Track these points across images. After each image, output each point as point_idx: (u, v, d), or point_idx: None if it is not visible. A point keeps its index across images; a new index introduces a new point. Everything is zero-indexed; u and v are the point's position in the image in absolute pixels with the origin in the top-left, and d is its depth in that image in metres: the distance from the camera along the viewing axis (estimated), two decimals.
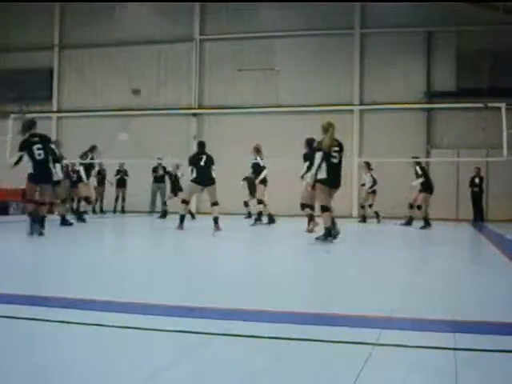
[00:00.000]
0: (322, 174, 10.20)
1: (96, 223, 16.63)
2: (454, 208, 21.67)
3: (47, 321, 3.84)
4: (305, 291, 5.58)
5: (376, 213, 18.18)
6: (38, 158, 10.66)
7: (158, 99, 24.87)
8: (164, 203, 20.96)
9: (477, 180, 20.61)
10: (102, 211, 22.26)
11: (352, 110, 23.18)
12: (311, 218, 12.80)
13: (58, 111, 26.48)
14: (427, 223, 15.65)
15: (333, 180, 10.23)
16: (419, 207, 15.84)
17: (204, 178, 13.28)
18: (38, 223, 10.90)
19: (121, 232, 15.40)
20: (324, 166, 10.16)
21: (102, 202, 22.41)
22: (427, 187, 15.80)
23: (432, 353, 3.25)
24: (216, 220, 13.20)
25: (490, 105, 15.32)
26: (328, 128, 10.23)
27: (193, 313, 4.24)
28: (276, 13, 23.99)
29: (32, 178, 11.12)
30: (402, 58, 22.90)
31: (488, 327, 3.92)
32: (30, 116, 19.77)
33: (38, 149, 10.68)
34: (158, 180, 21.27)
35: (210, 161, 13.38)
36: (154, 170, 21.32)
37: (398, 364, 3.07)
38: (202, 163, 13.27)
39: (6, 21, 26.14)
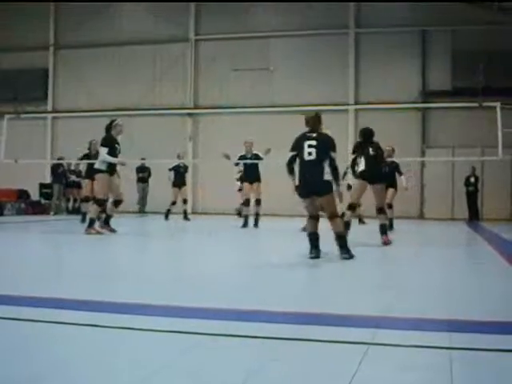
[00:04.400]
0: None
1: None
2: (449, 207, 21.70)
3: (42, 321, 3.84)
4: (300, 291, 5.58)
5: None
6: None
7: (154, 99, 24.84)
8: (144, 204, 21.19)
9: (472, 179, 20.64)
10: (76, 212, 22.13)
11: (347, 110, 23.18)
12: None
13: (54, 111, 26.43)
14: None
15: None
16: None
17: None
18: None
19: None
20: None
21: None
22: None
23: (427, 352, 3.26)
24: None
25: (484, 104, 15.33)
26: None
27: (187, 313, 4.24)
28: (271, 13, 23.97)
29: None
30: (397, 58, 22.92)
31: (483, 326, 3.93)
32: (24, 116, 19.80)
33: None
34: (143, 180, 21.39)
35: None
36: (139, 170, 21.38)
37: (394, 363, 3.07)
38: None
39: (1, 21, 26.07)
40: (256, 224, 14.64)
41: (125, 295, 4.97)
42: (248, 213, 14.85)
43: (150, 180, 21.80)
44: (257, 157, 14.79)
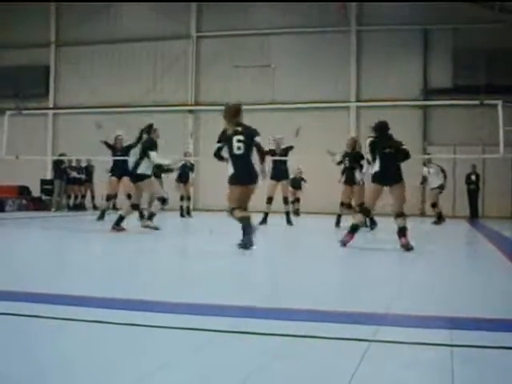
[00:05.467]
0: None
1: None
2: (450, 205, 21.69)
3: (50, 318, 3.84)
4: (301, 288, 5.58)
5: (439, 213, 16.74)
6: None
7: (155, 96, 24.83)
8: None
9: (473, 177, 20.64)
10: (94, 208, 22.10)
11: (348, 107, 23.18)
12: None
13: (55, 108, 26.45)
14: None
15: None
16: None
17: None
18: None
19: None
20: None
21: (93, 198, 22.25)
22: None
23: (428, 349, 3.26)
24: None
25: (486, 102, 15.31)
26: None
27: (188, 310, 4.24)
28: (272, 10, 23.97)
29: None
30: (399, 56, 22.91)
31: (485, 324, 3.93)
32: (25, 112, 19.81)
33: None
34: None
35: None
36: None
37: (395, 360, 3.08)
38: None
39: (3, 18, 26.06)
40: (289, 221, 14.53)
41: (131, 292, 4.97)
42: (269, 210, 14.52)
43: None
44: (286, 152, 14.56)
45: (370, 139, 9.22)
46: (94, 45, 25.72)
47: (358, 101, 23.24)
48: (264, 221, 14.23)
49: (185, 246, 10.44)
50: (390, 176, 8.94)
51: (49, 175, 23.85)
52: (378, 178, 9.01)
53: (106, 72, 25.65)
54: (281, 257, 8.61)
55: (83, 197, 22.08)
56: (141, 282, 5.70)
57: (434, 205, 16.82)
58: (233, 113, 8.68)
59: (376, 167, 9.01)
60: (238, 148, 8.39)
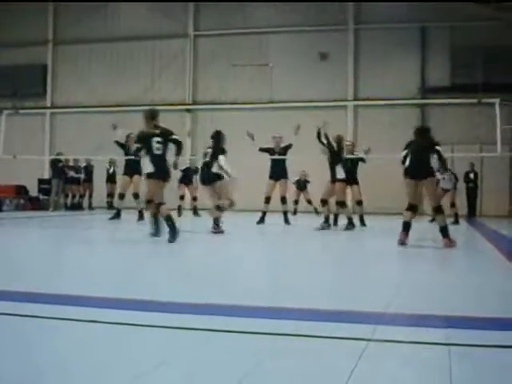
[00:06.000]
0: None
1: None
2: (448, 203, 21.65)
3: (43, 317, 3.84)
4: (299, 286, 5.58)
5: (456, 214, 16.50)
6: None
7: (152, 95, 24.82)
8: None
9: (471, 175, 20.62)
10: (90, 207, 22.09)
11: (346, 106, 23.19)
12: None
13: (52, 107, 26.43)
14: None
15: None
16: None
17: None
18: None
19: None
20: None
21: (91, 197, 22.28)
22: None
23: (426, 348, 3.26)
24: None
25: (483, 100, 15.33)
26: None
27: (184, 309, 4.24)
28: (270, 8, 23.97)
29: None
30: (396, 54, 22.92)
31: (482, 323, 3.94)
32: (23, 112, 19.79)
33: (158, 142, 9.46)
34: None
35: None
36: None
37: (392, 359, 3.08)
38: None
39: (0, 17, 26.04)
40: (286, 221, 14.30)
41: (123, 291, 4.97)
42: (267, 210, 14.34)
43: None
44: (285, 151, 14.39)
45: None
46: (92, 43, 25.71)
47: (355, 99, 23.24)
48: (262, 220, 14.23)
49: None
50: (416, 170, 9.31)
51: (46, 175, 23.84)
52: (406, 173, 9.40)
53: (103, 71, 25.64)
54: (276, 256, 8.62)
55: (81, 196, 22.07)
56: (141, 281, 5.70)
57: (452, 204, 16.58)
58: (150, 116, 9.42)
59: (406, 163, 9.41)
60: (158, 149, 9.27)
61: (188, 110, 24.73)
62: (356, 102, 23.15)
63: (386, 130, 21.98)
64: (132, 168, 14.86)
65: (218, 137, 12.39)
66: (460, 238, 12.76)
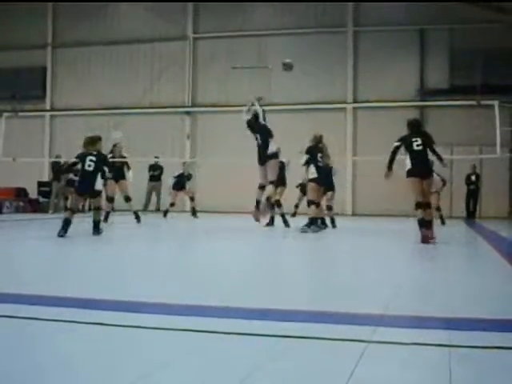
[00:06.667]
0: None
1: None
2: (447, 205, 21.70)
3: (49, 320, 3.84)
4: (298, 288, 5.58)
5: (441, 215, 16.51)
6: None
7: (152, 97, 24.85)
8: (159, 202, 21.17)
9: (473, 177, 20.62)
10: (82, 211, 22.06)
11: (345, 108, 23.21)
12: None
13: (52, 110, 26.44)
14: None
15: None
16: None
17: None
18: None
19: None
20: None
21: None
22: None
23: (426, 350, 3.26)
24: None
25: (483, 102, 15.34)
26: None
27: (186, 311, 4.24)
28: (269, 11, 24.01)
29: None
30: (396, 56, 22.94)
31: (482, 324, 3.93)
32: (22, 114, 19.80)
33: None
34: (155, 179, 21.25)
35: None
36: (151, 168, 21.28)
37: (393, 361, 3.07)
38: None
39: None
40: (285, 222, 14.23)
41: (128, 293, 4.97)
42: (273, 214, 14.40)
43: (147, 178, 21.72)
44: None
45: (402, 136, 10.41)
46: (91, 46, 25.74)
47: (354, 102, 23.26)
48: (271, 222, 14.33)
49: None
50: (421, 170, 9.94)
51: (46, 177, 23.84)
52: (410, 174, 9.95)
53: (103, 73, 25.67)
54: (275, 258, 8.63)
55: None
56: (136, 281, 5.70)
57: (438, 208, 16.51)
58: (91, 142, 11.01)
59: (408, 165, 9.96)
60: (89, 165, 10.72)
61: (187, 113, 24.73)
62: (355, 105, 23.16)
63: (386, 132, 21.96)
64: (117, 173, 15.27)
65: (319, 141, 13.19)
66: (459, 240, 12.78)
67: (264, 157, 13.11)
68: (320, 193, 12.88)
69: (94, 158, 10.78)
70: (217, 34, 24.57)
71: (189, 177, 19.01)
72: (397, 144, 10.25)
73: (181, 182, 18.60)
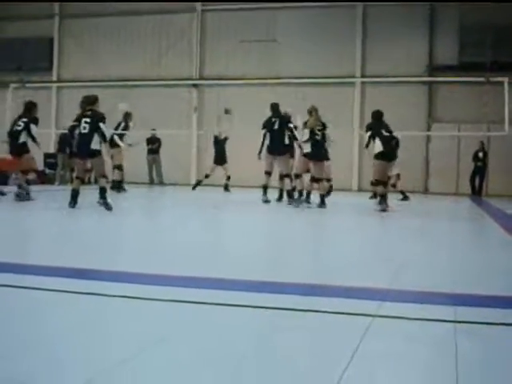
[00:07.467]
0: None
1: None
2: (453, 182, 21.66)
3: (49, 290, 3.86)
4: (304, 262, 5.59)
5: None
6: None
7: (159, 70, 24.73)
8: (160, 175, 21.14)
9: (480, 154, 20.51)
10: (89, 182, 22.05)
11: (353, 83, 23.05)
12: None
13: (58, 81, 26.35)
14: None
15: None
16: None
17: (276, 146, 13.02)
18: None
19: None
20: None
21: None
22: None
23: (431, 325, 3.27)
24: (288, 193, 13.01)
25: (492, 79, 15.22)
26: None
27: (187, 283, 4.25)
28: None
29: None
30: (405, 32, 22.71)
31: (488, 300, 3.94)
32: (28, 86, 19.74)
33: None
34: (153, 151, 21.23)
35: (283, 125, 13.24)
36: (149, 141, 21.22)
37: (397, 335, 3.09)
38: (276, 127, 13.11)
39: None
40: (280, 199, 14.05)
41: (131, 265, 4.99)
42: (282, 186, 14.06)
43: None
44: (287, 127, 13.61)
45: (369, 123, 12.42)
46: (99, 17, 25.54)
47: (363, 76, 23.10)
48: (280, 197, 14.14)
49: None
50: (390, 155, 12.07)
51: (52, 149, 23.84)
52: (383, 157, 11.73)
53: (110, 45, 25.50)
54: (282, 231, 8.64)
55: (87, 171, 22.01)
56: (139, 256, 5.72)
57: (393, 185, 16.30)
58: (87, 102, 11.59)
59: (379, 148, 11.66)
60: (84, 128, 10.77)
61: (195, 86, 24.62)
62: (363, 79, 23.00)
63: (394, 108, 21.86)
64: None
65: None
66: (466, 216, 12.78)
67: (282, 146, 13.03)
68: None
69: (88, 120, 10.79)
70: (225, 6, 24.34)
71: (224, 140, 18.11)
72: (369, 134, 11.95)
73: (220, 153, 18.17)
